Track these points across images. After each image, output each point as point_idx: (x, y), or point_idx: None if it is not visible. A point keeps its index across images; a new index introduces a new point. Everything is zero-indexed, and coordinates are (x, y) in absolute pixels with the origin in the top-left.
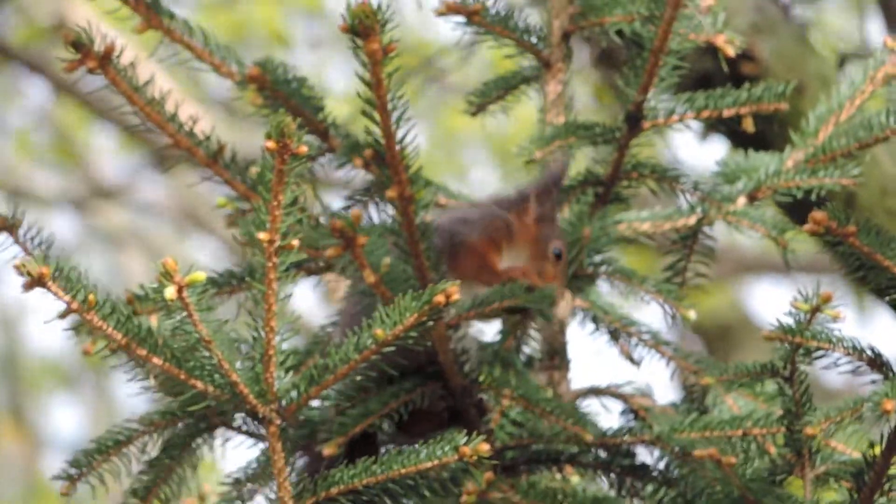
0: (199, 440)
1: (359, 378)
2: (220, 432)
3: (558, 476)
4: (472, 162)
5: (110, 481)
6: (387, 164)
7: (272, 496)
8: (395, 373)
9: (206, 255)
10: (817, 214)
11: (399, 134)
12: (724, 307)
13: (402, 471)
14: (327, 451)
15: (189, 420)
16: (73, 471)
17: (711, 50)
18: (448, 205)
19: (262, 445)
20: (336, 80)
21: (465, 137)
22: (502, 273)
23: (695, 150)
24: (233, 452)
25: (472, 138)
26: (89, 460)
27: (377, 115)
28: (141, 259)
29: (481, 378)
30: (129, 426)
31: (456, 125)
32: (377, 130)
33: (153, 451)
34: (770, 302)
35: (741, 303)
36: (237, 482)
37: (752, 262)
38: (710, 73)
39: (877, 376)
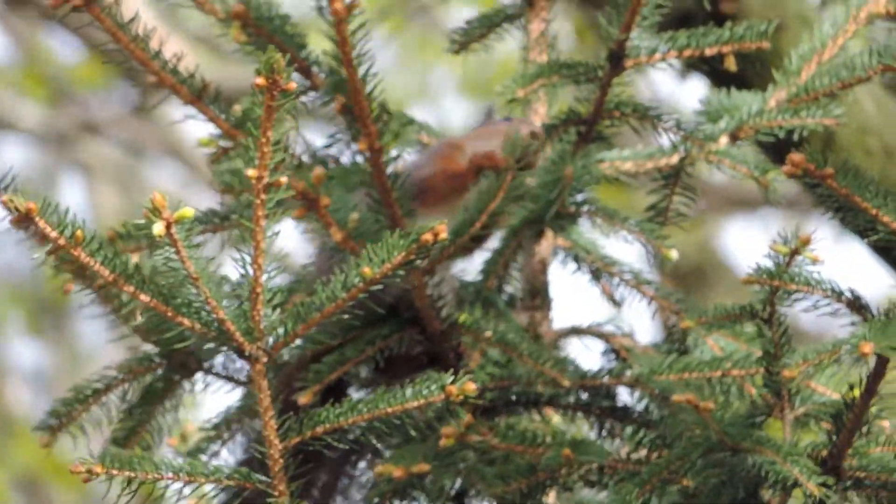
0: (179, 386)
1: (346, 316)
2: (200, 377)
3: (538, 418)
4: (444, 92)
5: (91, 430)
6: (355, 118)
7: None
8: (381, 311)
9: (188, 195)
10: (795, 156)
11: (367, 89)
12: (694, 247)
13: (388, 410)
14: (303, 399)
15: (168, 366)
16: (53, 421)
17: None
18: (431, 143)
19: (241, 391)
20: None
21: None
22: (469, 166)
23: (674, 90)
24: (212, 399)
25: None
26: (69, 410)
27: (344, 71)
28: (116, 196)
29: (461, 320)
30: (107, 374)
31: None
32: (345, 88)
33: (133, 398)
34: (741, 242)
35: (711, 243)
36: (217, 427)
37: (723, 200)
38: (690, 12)
39: (856, 318)
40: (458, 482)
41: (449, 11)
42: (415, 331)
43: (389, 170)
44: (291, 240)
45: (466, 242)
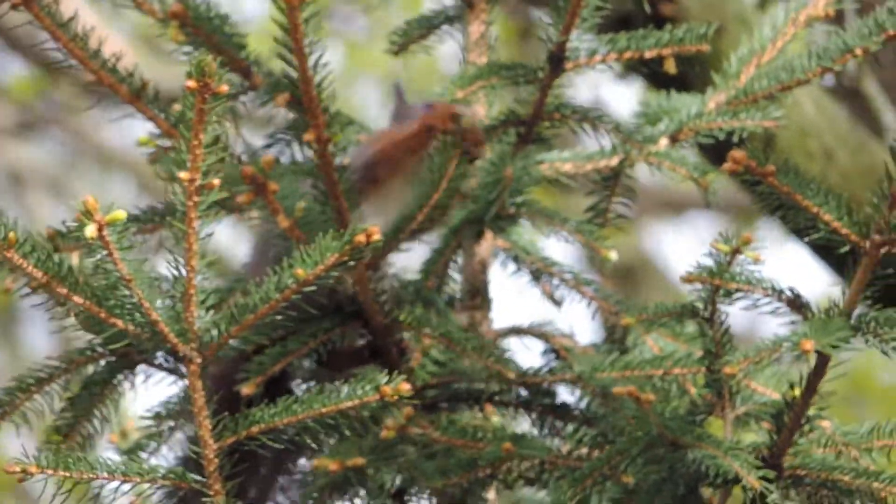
0: (120, 377)
1: (279, 318)
2: (142, 369)
3: (479, 415)
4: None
5: (34, 420)
6: (304, 108)
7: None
8: (316, 312)
9: (121, 195)
10: (736, 154)
11: (316, 79)
12: (625, 248)
13: (323, 410)
14: (246, 390)
15: (110, 357)
16: None
17: None
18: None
19: (182, 383)
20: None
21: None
22: (419, 127)
23: (613, 92)
24: (154, 389)
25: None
26: (11, 399)
27: (294, 60)
28: (49, 200)
29: (402, 317)
30: (49, 364)
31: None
32: (294, 75)
33: (74, 388)
34: (670, 245)
35: (640, 244)
36: (158, 416)
37: (652, 203)
38: (629, 15)
39: (796, 317)
40: (399, 478)
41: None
42: (357, 324)
43: (337, 161)
44: (226, 240)
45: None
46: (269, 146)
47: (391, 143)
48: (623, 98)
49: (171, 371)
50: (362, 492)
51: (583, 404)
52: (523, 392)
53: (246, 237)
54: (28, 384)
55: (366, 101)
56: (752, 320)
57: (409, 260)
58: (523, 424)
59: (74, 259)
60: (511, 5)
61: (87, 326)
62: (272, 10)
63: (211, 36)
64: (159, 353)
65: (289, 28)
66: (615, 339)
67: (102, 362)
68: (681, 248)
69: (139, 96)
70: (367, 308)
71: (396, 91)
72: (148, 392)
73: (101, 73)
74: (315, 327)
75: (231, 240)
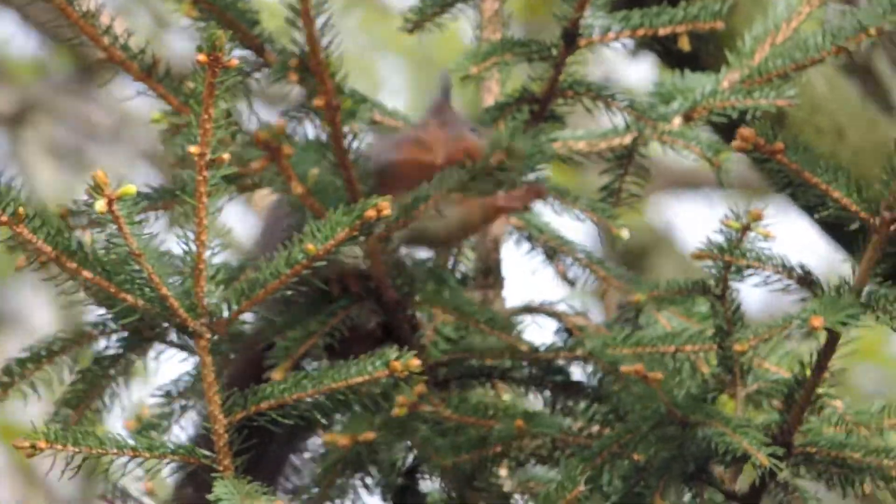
0: (132, 353)
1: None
2: (153, 345)
3: (491, 393)
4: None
5: (43, 390)
6: (312, 73)
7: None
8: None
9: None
10: (745, 131)
11: (324, 42)
12: (639, 227)
13: (333, 385)
14: (276, 375)
15: (121, 332)
16: (5, 378)
17: None
18: (383, 122)
19: (194, 359)
20: None
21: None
22: (444, 161)
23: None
24: (166, 366)
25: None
26: (21, 368)
27: (301, 23)
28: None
29: (415, 295)
30: (61, 336)
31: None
32: (301, 39)
33: (85, 362)
34: (685, 221)
35: (655, 222)
36: (168, 395)
37: (666, 180)
38: None
39: (806, 294)
40: (410, 456)
41: None
42: (371, 300)
43: (346, 128)
44: (238, 218)
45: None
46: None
47: (412, 164)
48: (634, 76)
49: (181, 347)
50: (374, 469)
51: (594, 381)
52: (535, 369)
53: (255, 217)
54: (40, 355)
55: (387, 79)
56: (767, 303)
57: None
58: (535, 402)
59: (87, 237)
60: None
61: (98, 301)
62: (275, 22)
63: (224, 12)
64: (171, 329)
65: None
66: (627, 317)
67: (114, 337)
68: (695, 224)
69: (150, 73)
70: (380, 282)
71: (443, 83)
72: (160, 374)
73: (111, 49)
74: (333, 306)
75: (241, 219)
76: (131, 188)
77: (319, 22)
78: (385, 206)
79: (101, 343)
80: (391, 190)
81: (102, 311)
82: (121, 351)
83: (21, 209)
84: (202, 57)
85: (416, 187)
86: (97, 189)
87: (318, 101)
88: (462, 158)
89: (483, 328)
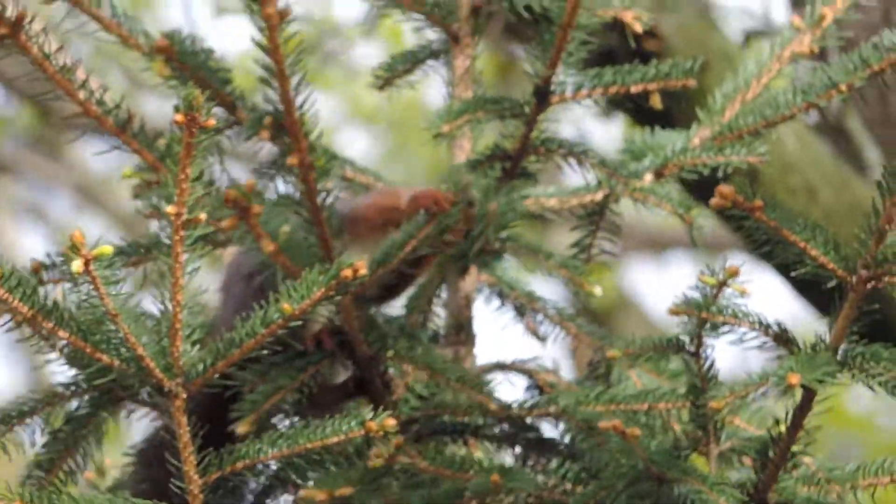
0: (104, 412)
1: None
2: (126, 405)
3: (463, 450)
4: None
5: (13, 451)
6: (286, 132)
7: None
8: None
9: (100, 230)
10: (724, 189)
11: (298, 100)
12: (605, 287)
13: (309, 445)
14: (241, 429)
15: (94, 392)
16: None
17: (614, 25)
18: (355, 178)
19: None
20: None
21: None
22: (409, 204)
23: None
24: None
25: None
26: None
27: (275, 82)
28: (36, 235)
29: (387, 351)
30: (33, 397)
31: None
32: (275, 97)
33: (58, 422)
34: (649, 282)
35: (620, 282)
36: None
37: (630, 241)
38: (612, 50)
39: (782, 351)
40: None
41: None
42: (343, 356)
43: (320, 186)
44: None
45: (391, 280)
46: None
47: (376, 207)
48: (605, 135)
49: (155, 407)
50: None
51: (567, 439)
52: (507, 426)
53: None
54: (10, 416)
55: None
56: (743, 359)
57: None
58: (506, 459)
59: (59, 293)
60: (494, 40)
61: (72, 361)
62: (252, 31)
63: (196, 70)
64: (144, 389)
65: (269, 49)
66: (599, 374)
67: (86, 396)
68: (660, 286)
69: (125, 129)
70: (354, 338)
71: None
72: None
73: (87, 104)
74: (303, 361)
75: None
76: (107, 248)
77: (294, 81)
78: (361, 265)
79: (73, 403)
80: (357, 237)
81: (74, 371)
82: (93, 411)
83: None
84: (179, 117)
85: (383, 234)
86: (74, 249)
87: (292, 160)
88: (429, 205)
89: (454, 386)
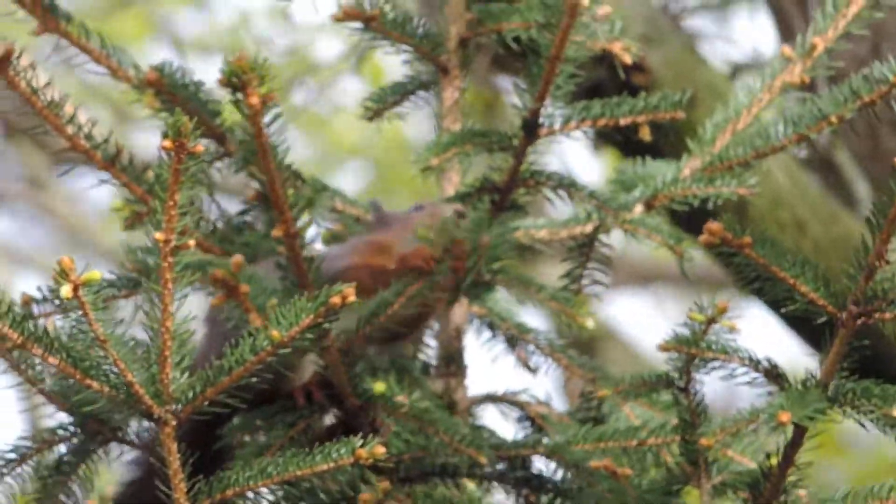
0: (93, 455)
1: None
2: (114, 446)
3: (454, 490)
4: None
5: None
6: (272, 206)
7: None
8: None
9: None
10: (713, 226)
11: (282, 177)
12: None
13: (298, 473)
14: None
15: (82, 436)
16: None
17: (602, 59)
18: (345, 210)
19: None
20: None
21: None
22: (399, 266)
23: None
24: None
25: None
26: None
27: (260, 162)
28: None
29: (377, 389)
30: (21, 444)
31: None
32: (261, 176)
33: (46, 469)
34: (631, 314)
35: (601, 314)
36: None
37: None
38: (600, 83)
39: (773, 388)
40: None
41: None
42: (332, 407)
43: (305, 253)
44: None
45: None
46: (242, 213)
47: (366, 271)
48: (593, 168)
49: (142, 447)
50: None
51: (557, 476)
52: (498, 465)
53: None
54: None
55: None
56: (731, 392)
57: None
58: (498, 496)
59: (49, 326)
60: (480, 75)
61: (60, 392)
62: (236, 116)
63: (186, 103)
64: (131, 429)
65: (253, 133)
66: (590, 406)
67: (75, 440)
68: (646, 319)
69: (113, 162)
70: (342, 390)
71: (374, 208)
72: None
73: (75, 139)
74: (294, 415)
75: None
76: (96, 274)
77: (277, 161)
78: (350, 292)
79: (62, 448)
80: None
81: (62, 415)
82: (82, 454)
83: None
84: (167, 143)
85: (371, 293)
86: (63, 275)
87: (276, 231)
88: (419, 264)
89: (443, 437)
